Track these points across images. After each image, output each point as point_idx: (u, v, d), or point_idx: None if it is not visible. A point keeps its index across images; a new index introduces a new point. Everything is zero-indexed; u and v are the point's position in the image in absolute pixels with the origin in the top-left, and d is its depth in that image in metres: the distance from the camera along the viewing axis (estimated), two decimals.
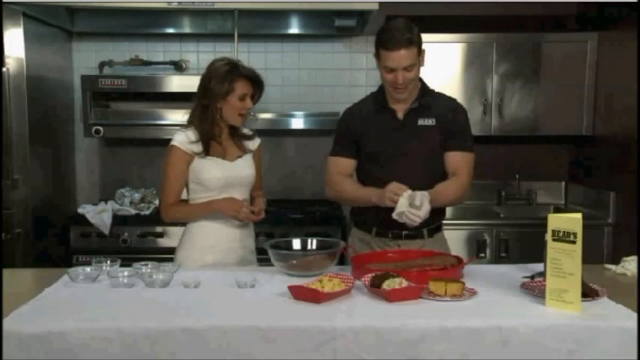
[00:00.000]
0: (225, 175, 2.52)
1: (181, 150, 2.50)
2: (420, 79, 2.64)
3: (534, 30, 4.02)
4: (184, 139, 2.50)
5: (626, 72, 3.53)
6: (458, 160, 2.60)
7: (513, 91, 3.96)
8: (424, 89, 2.63)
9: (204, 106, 2.51)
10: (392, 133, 2.59)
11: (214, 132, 2.53)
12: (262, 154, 2.77)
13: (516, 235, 3.74)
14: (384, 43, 2.47)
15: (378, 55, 2.52)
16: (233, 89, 2.48)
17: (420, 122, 2.58)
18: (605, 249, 3.75)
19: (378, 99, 2.65)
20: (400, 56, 2.44)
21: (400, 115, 2.60)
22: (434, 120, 2.58)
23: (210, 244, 2.54)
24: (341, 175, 2.68)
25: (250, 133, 2.70)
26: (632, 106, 3.47)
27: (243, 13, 3.75)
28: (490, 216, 4.03)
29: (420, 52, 2.51)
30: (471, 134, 2.69)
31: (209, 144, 2.51)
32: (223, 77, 2.47)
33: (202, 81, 2.53)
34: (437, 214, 2.68)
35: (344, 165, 2.68)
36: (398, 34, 2.45)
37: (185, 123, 2.58)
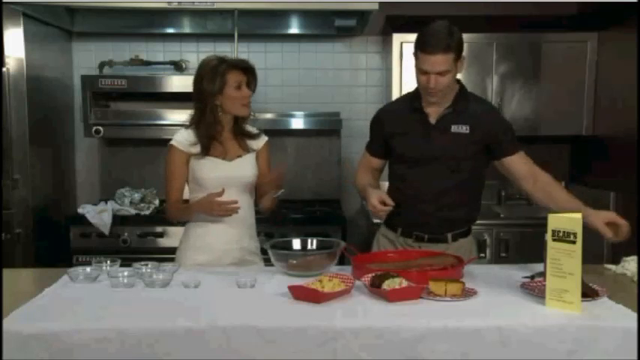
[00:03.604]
0: (222, 176, 2.50)
1: (179, 149, 2.51)
2: (459, 82, 2.59)
3: (534, 30, 4.01)
4: (182, 139, 2.52)
5: (626, 72, 3.53)
6: (523, 163, 2.56)
7: (513, 91, 3.95)
8: (461, 93, 2.56)
9: (201, 106, 2.50)
10: (423, 137, 2.54)
11: (215, 131, 2.52)
12: (270, 152, 2.71)
13: (516, 235, 3.74)
14: (422, 45, 2.41)
15: (416, 56, 2.46)
16: (226, 81, 2.47)
17: (454, 129, 2.52)
18: (605, 249, 3.75)
19: (414, 100, 2.58)
20: (435, 61, 2.39)
21: (433, 119, 2.54)
22: (468, 127, 2.51)
23: (204, 244, 2.54)
24: (365, 169, 2.74)
25: (256, 131, 2.67)
26: (632, 106, 3.47)
27: (243, 13, 3.75)
28: (490, 216, 4.02)
29: (459, 59, 2.45)
30: (514, 131, 2.62)
31: (209, 145, 2.51)
32: (213, 73, 2.47)
33: (195, 83, 2.52)
34: (463, 220, 2.64)
35: (371, 162, 2.74)
36: (437, 38, 2.38)
37: (186, 123, 2.58)
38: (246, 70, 2.53)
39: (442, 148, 2.53)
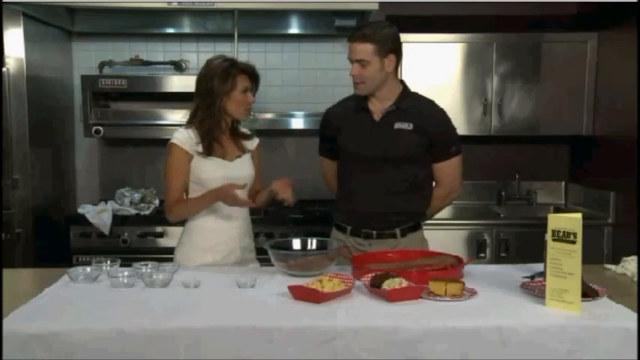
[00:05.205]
0: (225, 176, 2.51)
1: (181, 148, 2.49)
2: (402, 82, 2.66)
3: (534, 30, 4.01)
4: (184, 138, 2.50)
5: (626, 72, 3.53)
6: (442, 170, 2.66)
7: (513, 91, 3.95)
8: (404, 92, 2.63)
9: (208, 105, 2.50)
10: (367, 134, 2.61)
11: (218, 131, 2.53)
12: (261, 153, 2.75)
13: (516, 235, 3.74)
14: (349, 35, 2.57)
15: None
16: (235, 85, 2.49)
17: (397, 126, 2.58)
18: (605, 249, 3.75)
19: (359, 99, 2.64)
20: (352, 48, 2.52)
21: (377, 117, 2.61)
22: (411, 124, 2.57)
23: (209, 245, 2.53)
24: (330, 177, 2.82)
25: (249, 132, 2.70)
26: (632, 106, 3.47)
27: (243, 13, 3.75)
28: (490, 216, 4.03)
29: (383, 55, 2.50)
30: (455, 135, 2.70)
31: (211, 144, 2.51)
32: (226, 74, 2.48)
33: (202, 80, 2.52)
34: (410, 215, 2.68)
35: (330, 166, 2.81)
36: (361, 28, 2.53)
37: (184, 123, 2.58)
38: (253, 76, 2.56)
39: (386, 145, 2.58)
